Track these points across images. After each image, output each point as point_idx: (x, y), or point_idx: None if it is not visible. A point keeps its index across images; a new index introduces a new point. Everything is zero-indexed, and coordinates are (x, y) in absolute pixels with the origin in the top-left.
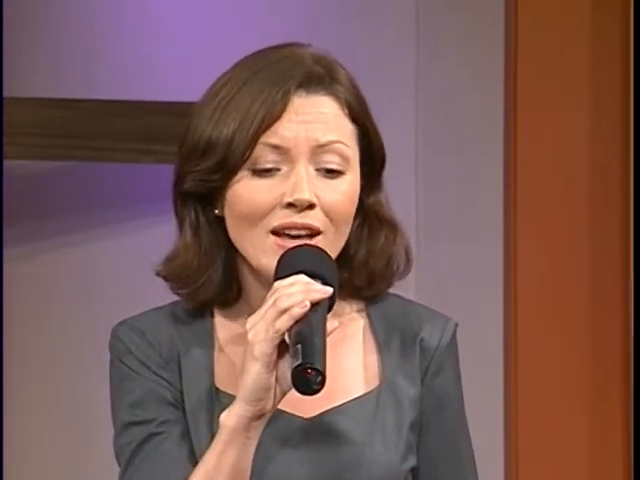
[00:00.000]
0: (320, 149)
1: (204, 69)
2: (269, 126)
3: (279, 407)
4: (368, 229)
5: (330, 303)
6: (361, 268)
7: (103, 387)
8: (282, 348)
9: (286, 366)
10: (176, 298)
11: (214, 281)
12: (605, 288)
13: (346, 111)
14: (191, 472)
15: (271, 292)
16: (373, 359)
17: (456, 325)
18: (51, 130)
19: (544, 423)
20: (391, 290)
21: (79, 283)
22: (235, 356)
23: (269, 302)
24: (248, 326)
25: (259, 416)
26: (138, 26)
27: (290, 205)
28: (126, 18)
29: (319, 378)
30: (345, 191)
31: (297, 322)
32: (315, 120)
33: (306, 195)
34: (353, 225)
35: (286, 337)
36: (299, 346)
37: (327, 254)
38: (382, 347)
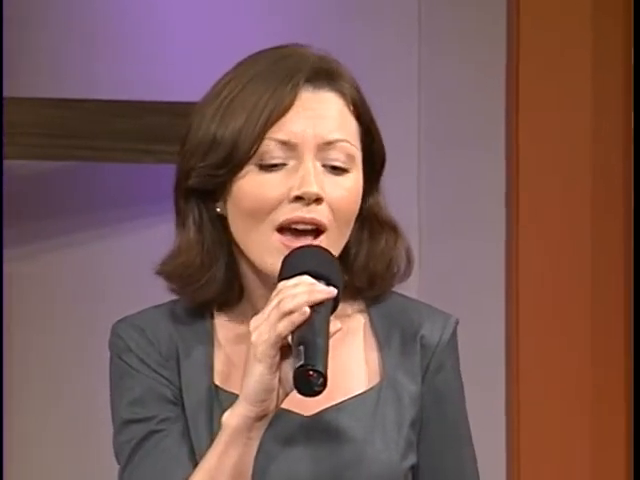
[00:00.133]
0: (327, 146)
1: (204, 69)
2: (277, 120)
3: None
4: (368, 231)
5: (334, 304)
6: (361, 271)
7: (104, 387)
8: (285, 349)
9: (288, 368)
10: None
11: (217, 280)
12: (606, 285)
13: (351, 109)
14: (191, 470)
15: (275, 293)
16: (374, 356)
17: (457, 322)
18: (52, 130)
19: (546, 421)
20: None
21: (80, 283)
22: (234, 354)
23: (273, 303)
24: (251, 327)
25: (262, 417)
26: (138, 26)
27: (298, 199)
28: (126, 18)
29: (320, 380)
30: (350, 188)
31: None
32: (322, 116)
33: (314, 188)
34: (353, 227)
35: (289, 338)
36: (301, 347)
37: (331, 255)
38: (383, 344)
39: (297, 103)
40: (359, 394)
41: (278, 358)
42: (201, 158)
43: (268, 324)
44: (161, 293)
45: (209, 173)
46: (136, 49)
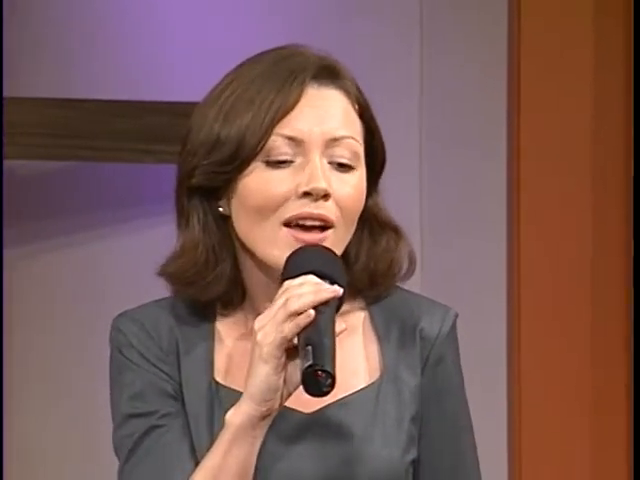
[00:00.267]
0: (333, 142)
1: (205, 69)
2: (283, 116)
3: None
4: (368, 232)
5: (338, 304)
6: (362, 271)
7: (104, 387)
8: (290, 349)
9: (293, 367)
10: None
11: (223, 278)
12: (607, 284)
13: (356, 107)
14: (193, 466)
15: (280, 292)
16: (373, 351)
17: (456, 315)
18: (55, 130)
19: (547, 420)
20: None
21: (81, 283)
22: (235, 350)
23: (279, 302)
24: (256, 326)
25: (266, 415)
26: (139, 26)
27: (306, 195)
28: (126, 18)
29: (329, 380)
30: (356, 185)
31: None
32: (328, 113)
33: (323, 184)
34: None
35: (294, 339)
36: (309, 347)
37: (335, 254)
38: (382, 338)
39: (303, 100)
40: (359, 390)
41: (284, 359)
42: (205, 156)
43: (274, 324)
44: (162, 293)
45: (214, 170)
46: (136, 49)
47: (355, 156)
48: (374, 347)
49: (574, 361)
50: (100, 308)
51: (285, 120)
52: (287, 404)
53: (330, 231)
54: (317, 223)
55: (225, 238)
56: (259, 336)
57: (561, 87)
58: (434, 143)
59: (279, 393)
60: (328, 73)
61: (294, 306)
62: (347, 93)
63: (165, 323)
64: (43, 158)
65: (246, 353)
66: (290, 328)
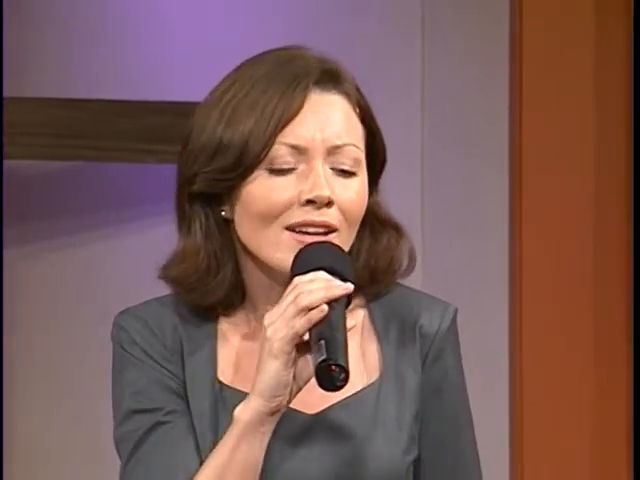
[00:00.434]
0: (335, 150)
1: (206, 69)
2: (287, 124)
3: None
4: (369, 230)
5: (347, 300)
6: (363, 269)
7: (107, 387)
8: (299, 344)
9: (302, 362)
10: None
11: (224, 283)
12: (609, 283)
13: (357, 111)
14: (199, 463)
15: (290, 288)
16: (373, 350)
17: (456, 310)
18: (58, 130)
19: (549, 418)
20: None
21: (84, 283)
22: (239, 350)
23: (289, 298)
24: (266, 322)
25: (275, 412)
26: (140, 26)
27: (309, 202)
28: (129, 18)
29: (343, 375)
30: (358, 191)
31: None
32: (330, 120)
33: (326, 192)
34: None
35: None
36: (322, 342)
37: (343, 251)
38: (381, 337)
39: (306, 106)
40: (360, 390)
41: (294, 354)
42: (207, 162)
43: (284, 319)
44: (165, 293)
45: (216, 177)
46: (137, 49)
47: (356, 162)
48: (373, 346)
49: (575, 360)
50: (103, 308)
51: (288, 128)
52: (291, 405)
53: (334, 235)
54: (321, 230)
55: (227, 241)
56: (269, 332)
57: (562, 86)
58: (435, 143)
59: (288, 389)
60: (330, 77)
61: (304, 302)
62: (348, 97)
63: (169, 321)
64: (46, 158)
65: (250, 353)
66: (302, 324)
